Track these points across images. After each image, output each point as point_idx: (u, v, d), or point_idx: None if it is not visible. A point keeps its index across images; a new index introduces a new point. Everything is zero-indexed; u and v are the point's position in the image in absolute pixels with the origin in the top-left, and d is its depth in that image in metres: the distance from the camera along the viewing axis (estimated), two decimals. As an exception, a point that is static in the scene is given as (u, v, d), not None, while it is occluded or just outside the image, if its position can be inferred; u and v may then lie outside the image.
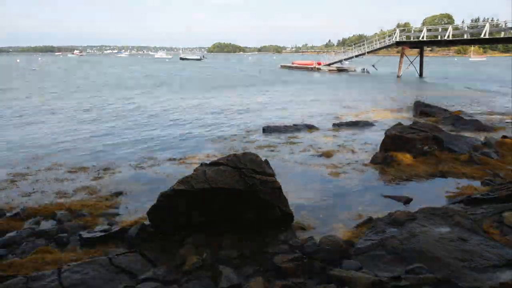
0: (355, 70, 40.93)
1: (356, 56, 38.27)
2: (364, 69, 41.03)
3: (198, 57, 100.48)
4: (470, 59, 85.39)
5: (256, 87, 25.73)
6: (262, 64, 66.73)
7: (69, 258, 3.59)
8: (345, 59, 40.76)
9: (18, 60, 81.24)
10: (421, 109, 13.01)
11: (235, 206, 3.69)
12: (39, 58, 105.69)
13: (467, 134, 9.44)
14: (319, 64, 42.55)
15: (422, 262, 3.00)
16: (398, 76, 32.34)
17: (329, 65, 41.89)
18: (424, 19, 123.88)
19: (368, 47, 36.40)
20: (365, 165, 7.13)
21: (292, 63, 49.56)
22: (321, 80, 33.06)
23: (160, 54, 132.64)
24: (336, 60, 41.74)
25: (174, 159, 8.02)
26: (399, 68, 32.79)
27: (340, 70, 40.67)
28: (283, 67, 49.34)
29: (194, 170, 4.05)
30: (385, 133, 7.59)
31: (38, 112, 14.33)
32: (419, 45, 32.62)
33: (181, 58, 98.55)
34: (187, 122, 12.63)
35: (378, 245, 3.31)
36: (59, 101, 17.47)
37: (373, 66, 39.92)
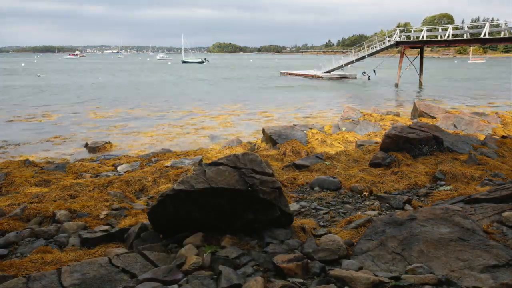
0: (355, 77, 40.21)
1: (357, 60, 37.86)
2: (364, 73, 40.28)
3: (200, 60, 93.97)
4: (469, 61, 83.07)
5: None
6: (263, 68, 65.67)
7: (69, 258, 3.59)
8: (345, 64, 40.06)
9: (23, 64, 79.43)
10: (421, 109, 13.02)
11: (235, 206, 3.69)
12: (35, 60, 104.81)
13: (467, 134, 9.45)
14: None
15: (422, 262, 3.00)
16: (396, 85, 31.66)
17: (329, 72, 41.09)
18: (424, 19, 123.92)
19: (368, 49, 36.17)
20: (365, 165, 7.13)
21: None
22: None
23: (161, 56, 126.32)
24: (336, 66, 40.83)
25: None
26: (398, 74, 32.29)
27: (342, 77, 39.93)
28: (283, 74, 48.12)
29: (194, 170, 4.05)
30: (385, 133, 7.59)
31: None
32: (419, 45, 32.55)
33: (183, 61, 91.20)
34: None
35: (378, 245, 3.31)
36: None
37: (374, 70, 39.30)
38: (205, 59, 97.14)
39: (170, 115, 16.23)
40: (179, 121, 14.70)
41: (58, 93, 25.54)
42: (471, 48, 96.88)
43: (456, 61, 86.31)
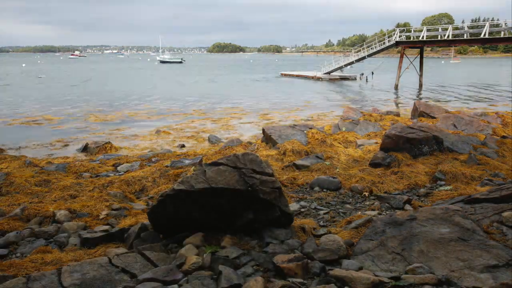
0: (355, 79, 39.99)
1: (357, 60, 37.68)
2: (362, 74, 40.02)
3: (179, 60, 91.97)
4: (451, 61, 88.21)
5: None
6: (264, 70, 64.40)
7: (69, 258, 3.59)
8: (345, 65, 39.78)
9: (24, 65, 77.92)
10: (421, 109, 13.01)
11: (235, 206, 3.69)
12: (39, 61, 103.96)
13: (467, 134, 9.44)
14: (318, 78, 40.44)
15: (422, 262, 3.00)
16: (395, 87, 31.41)
17: (329, 73, 40.83)
18: (424, 19, 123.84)
19: (367, 50, 36.03)
20: (365, 165, 7.13)
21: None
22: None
23: (162, 57, 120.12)
24: (336, 67, 40.55)
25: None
26: (397, 75, 32.06)
27: (342, 78, 39.68)
28: (283, 75, 47.57)
29: (194, 170, 4.05)
30: (385, 133, 7.59)
31: None
32: (419, 45, 32.47)
33: (162, 61, 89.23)
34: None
35: (378, 245, 3.31)
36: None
37: (372, 73, 39.06)
38: (182, 59, 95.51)
39: (170, 118, 16.24)
40: (179, 125, 14.72)
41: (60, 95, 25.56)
42: (452, 49, 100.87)
43: (443, 61, 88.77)
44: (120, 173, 7.52)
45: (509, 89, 28.50)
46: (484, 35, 27.32)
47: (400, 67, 32.10)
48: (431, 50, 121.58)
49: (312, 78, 40.70)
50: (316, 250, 3.30)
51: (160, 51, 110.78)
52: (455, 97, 25.08)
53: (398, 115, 14.13)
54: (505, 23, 27.62)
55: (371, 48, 35.71)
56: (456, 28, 35.09)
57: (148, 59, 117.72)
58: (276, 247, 3.40)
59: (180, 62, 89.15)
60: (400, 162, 6.83)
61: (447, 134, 8.13)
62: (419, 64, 32.63)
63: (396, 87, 31.11)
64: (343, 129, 10.86)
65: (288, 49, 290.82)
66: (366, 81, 37.86)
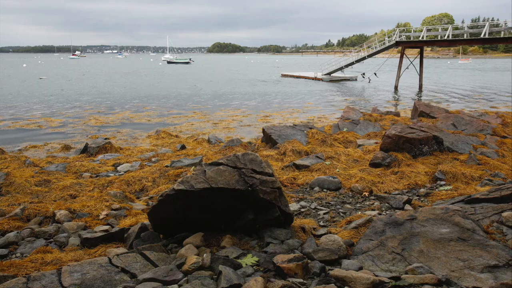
0: (356, 79, 39.88)
1: (357, 61, 37.66)
2: (364, 74, 39.92)
3: (187, 60, 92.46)
4: (459, 61, 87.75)
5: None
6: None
7: (69, 258, 3.59)
8: (345, 66, 39.70)
9: (24, 65, 77.06)
10: (421, 109, 13.00)
11: (235, 206, 3.69)
12: (39, 61, 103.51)
13: (467, 134, 9.44)
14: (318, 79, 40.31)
15: (422, 262, 3.00)
16: (396, 86, 31.41)
17: (329, 74, 40.76)
18: (424, 19, 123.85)
19: (367, 50, 36.02)
20: (365, 165, 7.13)
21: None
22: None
23: (166, 57, 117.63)
24: (336, 68, 40.47)
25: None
26: (397, 75, 32.04)
27: (343, 79, 39.55)
28: (284, 76, 47.40)
29: (194, 170, 4.05)
30: (385, 133, 7.58)
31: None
32: (419, 45, 32.48)
33: (169, 62, 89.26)
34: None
35: (378, 245, 3.31)
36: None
37: (375, 74, 38.95)
38: (190, 59, 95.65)
39: (170, 120, 16.24)
40: (179, 127, 14.72)
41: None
42: (460, 49, 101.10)
43: (449, 61, 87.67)
44: (120, 173, 7.52)
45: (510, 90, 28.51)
46: (484, 35, 27.33)
47: (400, 67, 32.10)
48: (431, 50, 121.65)
49: (313, 79, 40.62)
50: (316, 250, 3.30)
51: (168, 51, 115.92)
52: (455, 97, 25.10)
53: (398, 115, 14.13)
54: (505, 23, 27.63)
55: (371, 48, 35.72)
56: (456, 28, 35.13)
57: (162, 58, 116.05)
58: (276, 247, 3.41)
59: (188, 63, 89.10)
60: (400, 162, 6.83)
61: (447, 134, 8.13)
62: (419, 65, 32.63)
63: (396, 88, 31.11)
64: (344, 129, 10.86)
65: (288, 49, 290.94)
66: (369, 81, 37.80)
